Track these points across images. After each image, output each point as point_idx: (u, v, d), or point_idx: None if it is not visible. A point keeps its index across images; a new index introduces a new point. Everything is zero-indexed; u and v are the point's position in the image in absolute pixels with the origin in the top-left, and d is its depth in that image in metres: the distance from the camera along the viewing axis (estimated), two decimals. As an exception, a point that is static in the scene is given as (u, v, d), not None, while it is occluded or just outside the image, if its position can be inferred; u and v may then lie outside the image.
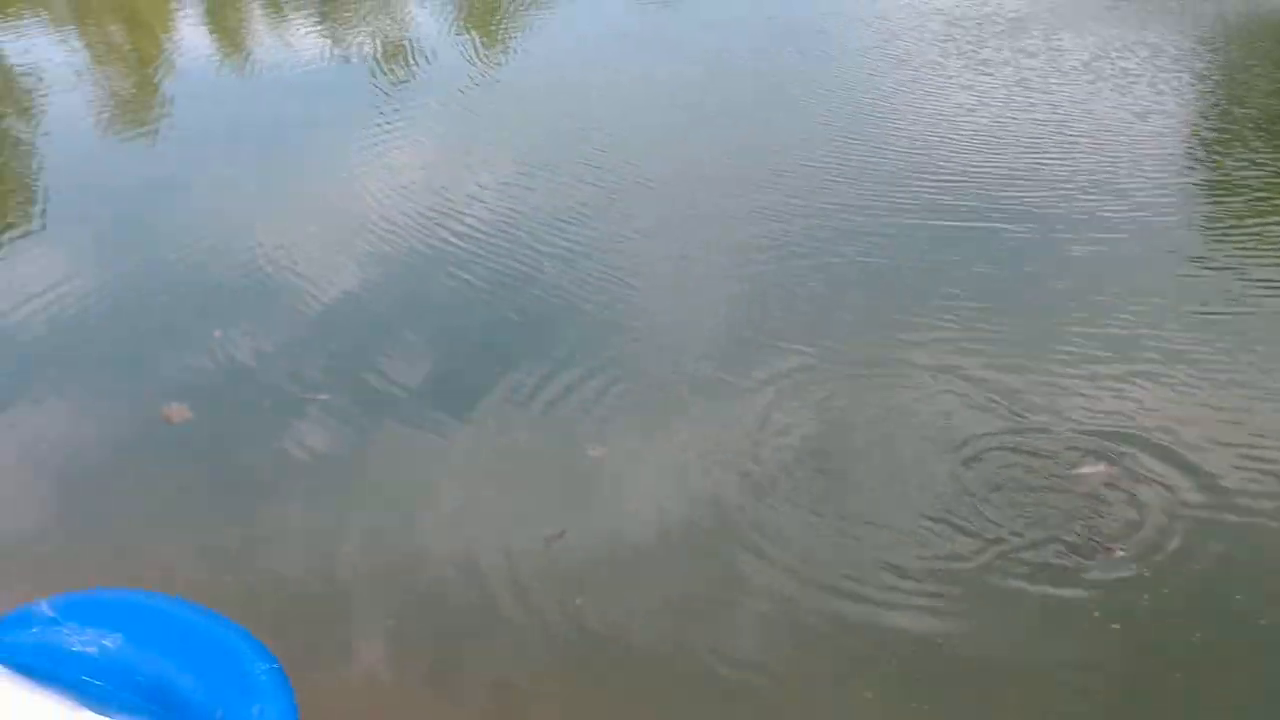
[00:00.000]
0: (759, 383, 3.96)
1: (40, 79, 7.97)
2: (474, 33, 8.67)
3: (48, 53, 8.57)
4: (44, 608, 1.98)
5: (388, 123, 6.72)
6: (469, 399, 3.96)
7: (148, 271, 5.11)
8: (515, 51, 8.18)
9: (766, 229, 5.12)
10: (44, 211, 5.88)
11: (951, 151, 5.91)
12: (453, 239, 5.17)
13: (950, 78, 7.06)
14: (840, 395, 3.86)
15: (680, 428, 3.76)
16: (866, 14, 8.50)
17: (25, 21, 9.50)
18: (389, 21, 8.97)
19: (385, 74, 7.77)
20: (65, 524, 3.48)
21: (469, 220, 5.33)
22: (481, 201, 5.51)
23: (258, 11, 9.81)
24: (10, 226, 5.71)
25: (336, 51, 8.33)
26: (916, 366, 4.00)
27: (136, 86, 8.04)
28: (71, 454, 3.81)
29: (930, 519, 3.24)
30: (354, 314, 4.65)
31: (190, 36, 9.15)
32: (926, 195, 5.40)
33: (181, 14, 9.93)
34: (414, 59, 8.02)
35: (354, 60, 8.12)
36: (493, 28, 8.75)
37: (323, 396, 3.97)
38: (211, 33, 9.27)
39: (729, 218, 5.27)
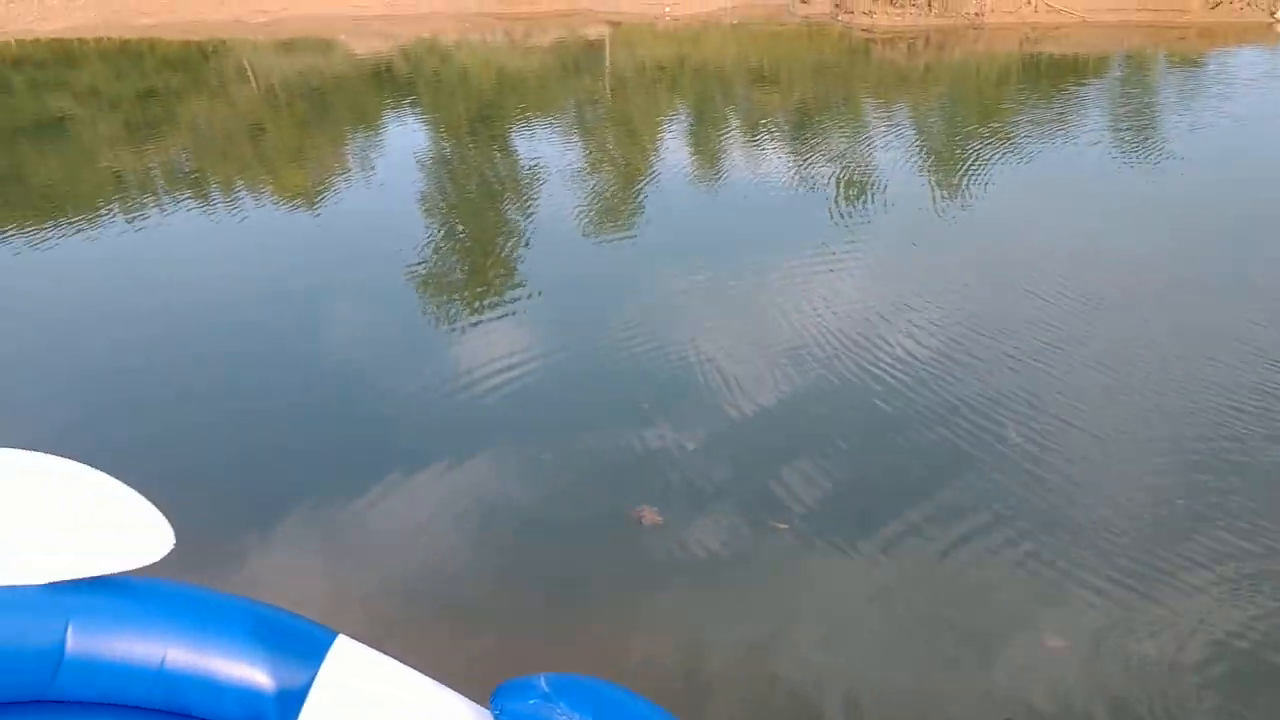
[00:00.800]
0: (1192, 584, 3.70)
1: (540, 176, 9.02)
2: (934, 182, 8.73)
3: (551, 155, 9.70)
4: (541, 683, 2.15)
5: (834, 254, 6.97)
6: (892, 545, 3.98)
7: (601, 362, 5.56)
8: (974, 207, 8.12)
9: (1214, 426, 4.76)
10: (519, 289, 6.58)
11: None
12: (881, 380, 5.23)
13: None
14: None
15: (1104, 620, 3.57)
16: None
17: (539, 128, 10.83)
18: (853, 162, 9.25)
19: (840, 209, 7.99)
20: (533, 604, 3.79)
21: (899, 365, 5.38)
22: (914, 355, 5.51)
23: (736, 135, 10.51)
24: (489, 298, 6.46)
25: (799, 182, 8.72)
26: None
27: (618, 192, 8.82)
28: (555, 538, 4.16)
29: None
30: (784, 437, 4.80)
31: (673, 151, 9.99)
32: None
33: (669, 131, 10.90)
34: (870, 200, 8.20)
35: (813, 192, 8.43)
36: (954, 180, 8.75)
37: (782, 526, 4.11)
38: (692, 150, 10.05)
39: (1177, 408, 4.94)
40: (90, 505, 2.20)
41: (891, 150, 9.54)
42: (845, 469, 4.50)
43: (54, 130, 11.24)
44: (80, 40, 15.01)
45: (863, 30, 14.47)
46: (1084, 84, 12.19)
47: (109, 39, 15.07)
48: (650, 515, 4.12)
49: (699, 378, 5.29)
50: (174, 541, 2.21)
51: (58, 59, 14.30)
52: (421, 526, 4.17)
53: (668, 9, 15.60)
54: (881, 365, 5.38)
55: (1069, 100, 11.29)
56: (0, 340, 6.14)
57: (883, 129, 10.37)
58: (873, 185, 8.53)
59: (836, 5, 15.23)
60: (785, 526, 4.09)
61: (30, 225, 8.06)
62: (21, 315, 6.50)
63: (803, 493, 4.31)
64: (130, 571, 2.21)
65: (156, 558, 2.19)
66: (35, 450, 2.31)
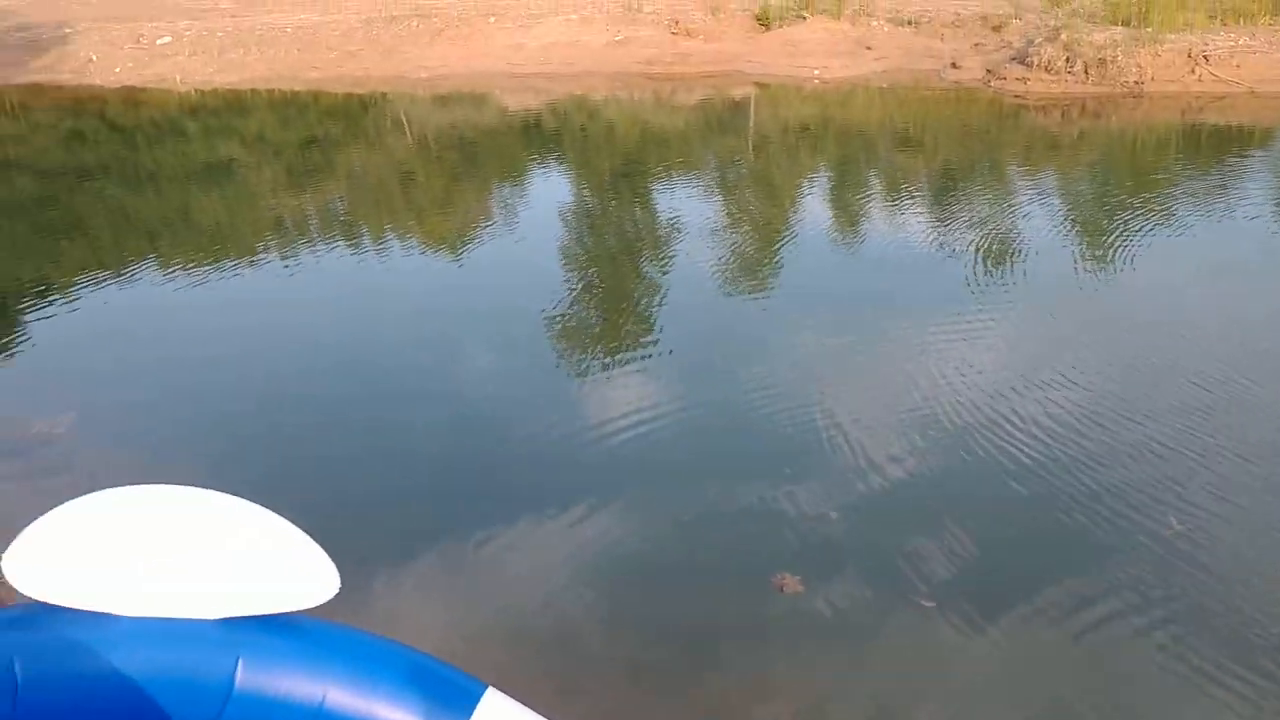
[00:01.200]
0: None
1: (678, 231, 9.12)
2: (1078, 253, 8.49)
3: (690, 211, 9.79)
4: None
5: (969, 317, 6.86)
6: (1030, 628, 3.89)
7: (736, 422, 5.55)
8: (1119, 281, 7.82)
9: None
10: (653, 341, 6.64)
11: None
12: (1017, 459, 5.08)
13: None
14: None
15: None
16: None
17: (679, 185, 10.97)
18: (995, 228, 9.07)
19: (978, 277, 7.82)
20: (669, 662, 3.78)
21: (1031, 436, 5.25)
22: (1047, 429, 5.34)
23: (876, 197, 10.45)
24: (625, 349, 6.53)
25: (938, 246, 8.60)
26: None
27: (756, 249, 8.84)
28: (692, 598, 4.16)
29: None
30: (924, 511, 4.70)
31: (812, 211, 9.99)
32: None
33: (809, 191, 10.90)
34: (1009, 267, 8.01)
35: (952, 257, 8.28)
36: (1100, 252, 8.48)
37: (928, 604, 4.04)
38: (831, 210, 10.03)
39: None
40: (262, 545, 2.31)
41: (1035, 218, 9.33)
42: (983, 548, 4.37)
43: (222, 174, 11.91)
44: (252, 90, 15.90)
45: (1014, 96, 14.23)
46: (1247, 156, 11.74)
47: (279, 90, 15.93)
48: (791, 583, 4.10)
49: (833, 443, 5.24)
50: (339, 585, 2.30)
51: (230, 108, 15.18)
52: (554, 574, 4.22)
53: (816, 72, 15.66)
54: (1018, 442, 5.22)
55: (1229, 172, 10.88)
56: (156, 372, 6.51)
57: (1028, 196, 10.16)
58: (1014, 253, 8.34)
59: (989, 71, 15.01)
60: (932, 604, 4.02)
61: (193, 263, 8.53)
62: (178, 350, 6.88)
63: (943, 570, 4.22)
64: (297, 612, 2.31)
65: (323, 600, 2.29)
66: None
